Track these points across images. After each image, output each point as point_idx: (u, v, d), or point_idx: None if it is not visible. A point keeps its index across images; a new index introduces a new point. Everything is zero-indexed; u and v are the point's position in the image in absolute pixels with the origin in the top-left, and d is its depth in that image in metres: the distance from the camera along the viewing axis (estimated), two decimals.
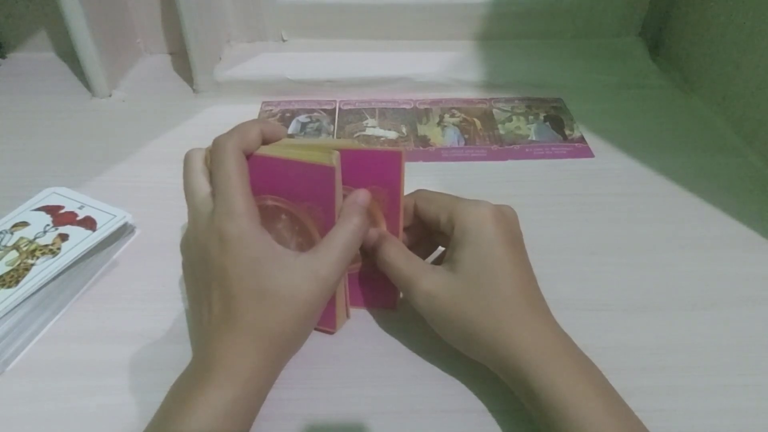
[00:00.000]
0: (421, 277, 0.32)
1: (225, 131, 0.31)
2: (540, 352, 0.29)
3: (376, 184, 0.34)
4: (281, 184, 0.32)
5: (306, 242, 0.33)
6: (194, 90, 0.63)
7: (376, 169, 0.33)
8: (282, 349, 0.30)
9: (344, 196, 0.32)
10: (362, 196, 0.32)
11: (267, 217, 0.32)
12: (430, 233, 0.36)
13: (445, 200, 0.34)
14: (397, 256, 0.34)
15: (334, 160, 0.30)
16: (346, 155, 0.32)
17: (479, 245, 0.31)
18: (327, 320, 0.36)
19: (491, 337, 0.30)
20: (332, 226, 0.31)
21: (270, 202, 0.32)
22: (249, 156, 0.31)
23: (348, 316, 0.37)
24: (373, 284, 0.37)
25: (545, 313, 0.32)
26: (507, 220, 0.33)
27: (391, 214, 0.35)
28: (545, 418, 0.28)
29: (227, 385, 0.27)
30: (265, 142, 0.32)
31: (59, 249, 0.38)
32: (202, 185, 0.31)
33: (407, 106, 0.61)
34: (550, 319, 0.31)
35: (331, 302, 0.35)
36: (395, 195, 0.34)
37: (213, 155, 0.30)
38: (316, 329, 0.36)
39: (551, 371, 0.28)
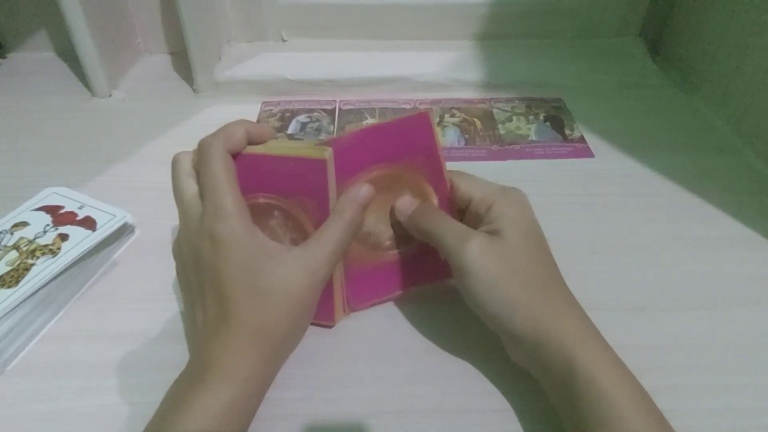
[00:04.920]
0: (474, 233, 0.32)
1: None
2: (585, 328, 0.30)
3: (412, 154, 0.33)
4: (273, 181, 0.32)
5: (300, 238, 0.33)
6: (194, 90, 0.63)
7: (407, 138, 0.33)
8: (278, 347, 0.30)
9: (371, 182, 0.32)
10: (363, 191, 0.32)
11: (259, 214, 0.32)
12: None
13: (481, 181, 0.35)
14: (442, 218, 0.33)
15: (326, 154, 0.30)
16: (374, 131, 0.32)
17: (524, 221, 0.32)
18: (326, 314, 0.36)
19: (538, 304, 0.30)
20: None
21: (262, 200, 0.32)
22: (237, 155, 0.31)
23: (345, 311, 0.37)
24: (421, 262, 0.37)
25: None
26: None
27: (437, 180, 0.34)
28: (579, 396, 0.28)
29: (225, 386, 0.27)
30: (251, 142, 0.32)
31: (59, 249, 0.38)
32: (191, 187, 0.31)
33: (407, 106, 0.61)
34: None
35: (329, 296, 0.35)
36: (435, 158, 0.33)
37: (199, 157, 0.30)
38: (316, 324, 0.37)
39: (595, 348, 0.29)
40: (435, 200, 0.35)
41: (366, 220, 0.35)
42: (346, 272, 0.36)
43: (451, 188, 0.35)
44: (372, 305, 0.38)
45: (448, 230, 0.32)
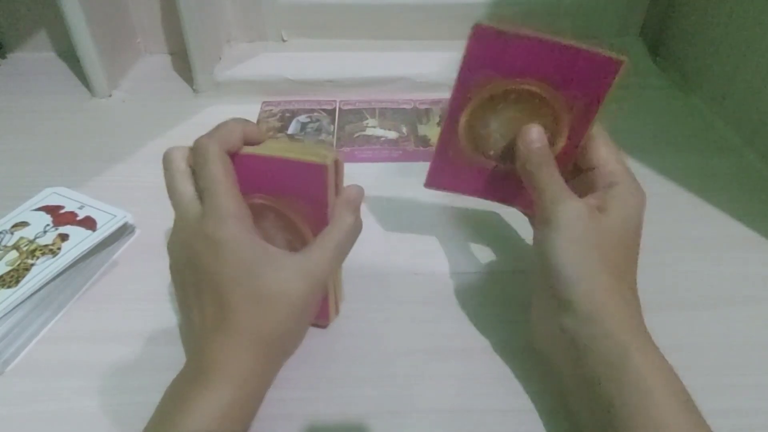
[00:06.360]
0: (576, 197, 0.32)
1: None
2: (642, 325, 0.30)
3: (576, 89, 0.32)
4: (270, 182, 0.31)
5: (295, 239, 0.32)
6: (194, 90, 0.63)
7: (583, 73, 0.32)
8: (278, 350, 0.30)
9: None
10: (355, 193, 0.32)
11: (254, 215, 0.32)
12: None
13: (615, 157, 0.34)
14: (554, 172, 0.33)
15: (328, 160, 0.30)
16: (561, 50, 0.31)
17: (634, 216, 0.32)
18: (320, 314, 0.36)
19: (608, 284, 0.30)
20: (325, 223, 0.31)
21: (257, 201, 0.32)
22: (234, 155, 0.31)
23: (337, 312, 0.37)
24: (507, 181, 0.36)
25: None
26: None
27: (579, 126, 0.33)
28: (623, 384, 0.28)
29: (224, 388, 0.27)
30: (247, 142, 0.31)
31: (59, 249, 0.38)
32: (188, 188, 0.30)
33: (407, 106, 0.61)
34: None
35: (324, 297, 0.35)
36: (594, 107, 0.33)
37: (196, 157, 0.30)
38: (311, 324, 0.36)
39: (650, 344, 0.29)
40: (562, 142, 0.34)
41: (489, 121, 0.35)
42: (440, 149, 0.37)
43: (585, 142, 0.34)
44: (445, 191, 0.39)
45: (553, 184, 0.32)
